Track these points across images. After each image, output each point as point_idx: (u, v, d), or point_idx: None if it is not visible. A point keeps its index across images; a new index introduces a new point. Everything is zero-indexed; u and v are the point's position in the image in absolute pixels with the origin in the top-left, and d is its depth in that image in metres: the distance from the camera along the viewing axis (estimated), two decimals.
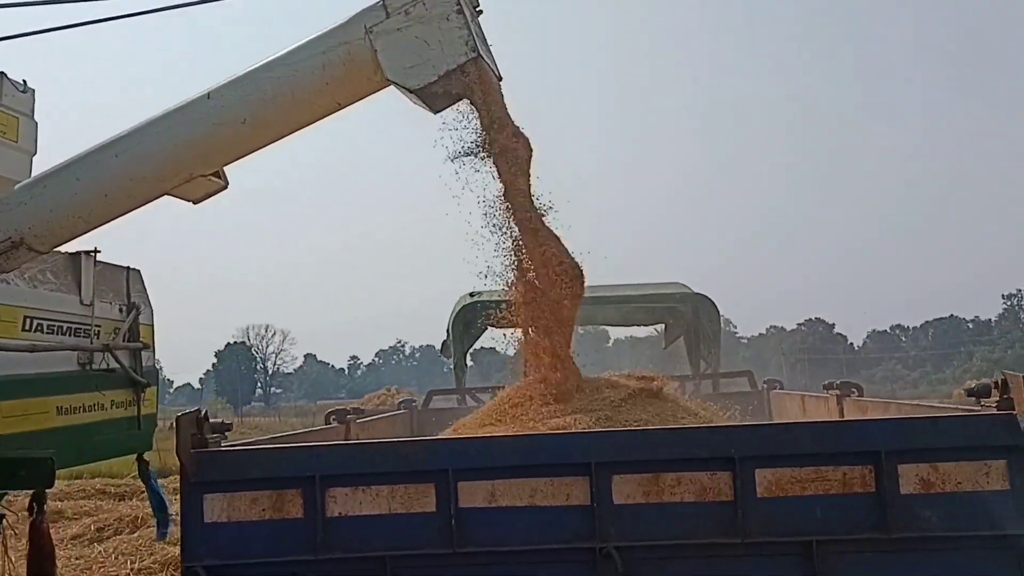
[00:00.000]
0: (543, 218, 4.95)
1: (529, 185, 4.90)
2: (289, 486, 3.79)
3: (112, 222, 5.26)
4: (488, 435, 4.55)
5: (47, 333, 6.79)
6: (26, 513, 6.39)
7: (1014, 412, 3.71)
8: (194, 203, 6.17)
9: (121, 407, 7.52)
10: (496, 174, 4.86)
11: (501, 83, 5.07)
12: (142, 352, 7.80)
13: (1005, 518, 3.67)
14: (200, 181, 5.45)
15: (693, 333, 11.40)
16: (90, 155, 5.22)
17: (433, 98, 4.84)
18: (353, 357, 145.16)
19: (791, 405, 8.28)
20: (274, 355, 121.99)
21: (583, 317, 10.71)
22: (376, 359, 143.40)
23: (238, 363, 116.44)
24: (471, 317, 10.57)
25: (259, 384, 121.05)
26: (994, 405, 3.81)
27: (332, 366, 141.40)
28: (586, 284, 5.14)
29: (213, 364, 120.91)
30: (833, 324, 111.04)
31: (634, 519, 3.68)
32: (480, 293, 9.75)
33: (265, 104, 4.89)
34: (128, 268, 7.89)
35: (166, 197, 5.37)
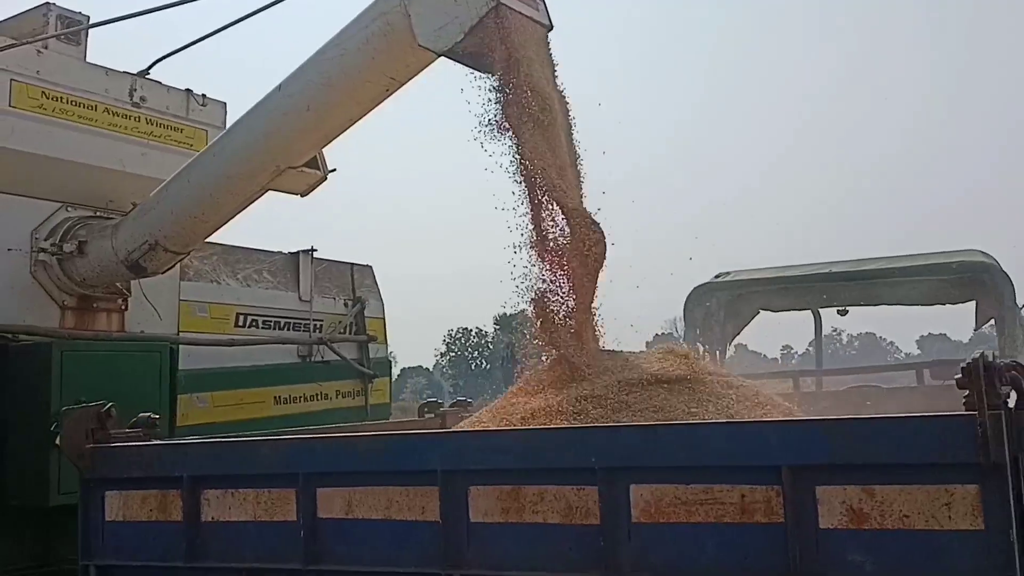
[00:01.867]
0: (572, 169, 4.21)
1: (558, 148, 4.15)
2: (170, 486, 3.54)
3: (231, 219, 5.49)
4: (344, 435, 3.91)
5: (262, 328, 7.31)
6: None
7: (975, 413, 2.30)
8: (300, 196, 6.28)
9: (348, 397, 7.86)
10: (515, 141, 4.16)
11: (550, 33, 4.45)
12: (368, 344, 8.11)
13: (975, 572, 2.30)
14: (294, 174, 5.50)
15: (1003, 310, 9.20)
16: (198, 158, 5.51)
17: (475, 59, 4.36)
18: None
19: None
20: None
21: (868, 295, 9.15)
22: None
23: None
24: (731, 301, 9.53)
25: None
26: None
27: None
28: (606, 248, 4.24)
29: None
30: None
31: (491, 541, 2.86)
32: (728, 273, 8.73)
33: (323, 88, 4.79)
34: (353, 265, 8.26)
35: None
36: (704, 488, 2.55)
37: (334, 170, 6.74)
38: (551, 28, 4.47)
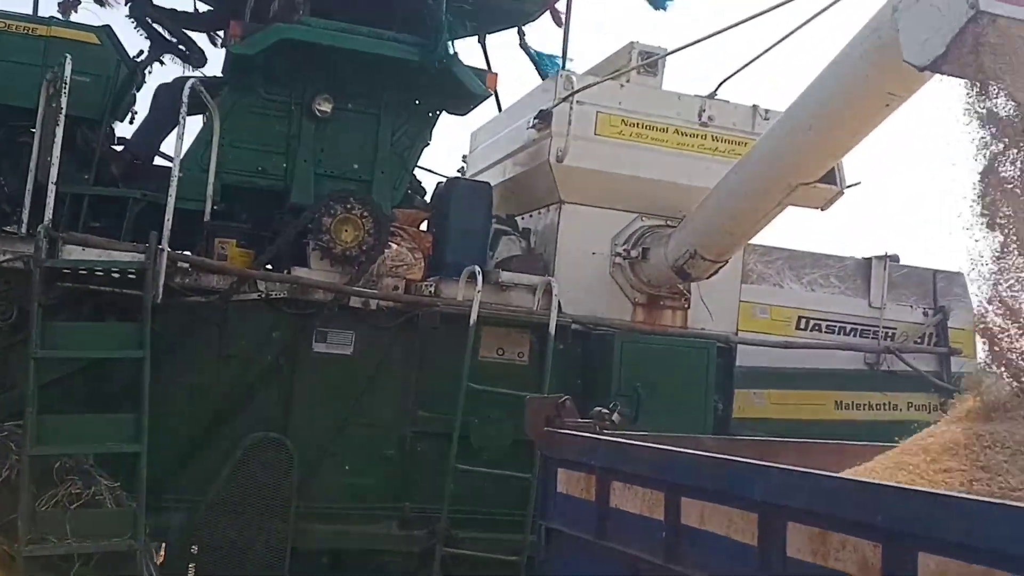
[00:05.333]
0: None
1: None
2: (590, 472, 3.92)
3: (757, 231, 5.79)
4: (699, 453, 3.60)
5: (825, 332, 7.41)
6: None
7: None
8: (820, 210, 6.11)
9: (921, 410, 7.49)
10: None
11: None
12: (950, 357, 7.60)
13: None
14: (809, 189, 5.51)
15: None
16: (727, 175, 5.89)
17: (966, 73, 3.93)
18: None
19: None
20: None
21: None
22: None
23: None
24: None
25: None
26: None
27: None
28: None
29: None
30: None
31: None
32: None
33: (825, 106, 4.80)
34: (938, 272, 7.79)
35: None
36: (985, 570, 2.24)
37: (857, 183, 6.58)
38: None
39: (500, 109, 8.18)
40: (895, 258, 7.72)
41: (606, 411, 4.61)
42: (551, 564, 4.35)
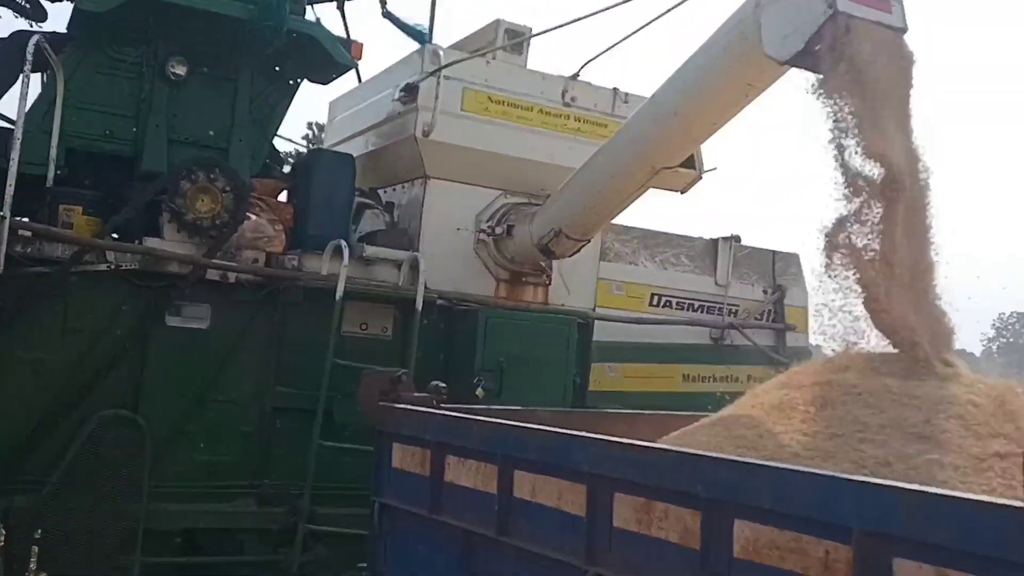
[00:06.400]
0: None
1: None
2: (424, 446, 3.96)
3: (619, 212, 6.01)
4: (526, 426, 3.71)
5: (675, 309, 7.76)
6: None
7: None
8: (680, 193, 6.45)
9: (759, 383, 7.96)
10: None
11: (903, 35, 4.10)
12: (786, 332, 8.12)
13: None
14: (670, 174, 5.78)
15: None
16: (592, 156, 6.07)
17: (821, 70, 4.21)
18: None
19: None
20: None
21: None
22: None
23: None
24: None
25: None
26: None
27: None
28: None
29: None
30: None
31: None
32: None
33: (689, 93, 5.03)
34: (776, 252, 8.29)
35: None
36: (795, 536, 2.43)
37: (713, 169, 6.95)
38: (905, 31, 4.17)
39: (360, 80, 8.05)
40: (737, 239, 8.15)
41: (443, 385, 4.55)
42: (384, 540, 4.33)
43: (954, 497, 2.17)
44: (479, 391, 6.45)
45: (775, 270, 8.22)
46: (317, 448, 6.15)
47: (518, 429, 3.59)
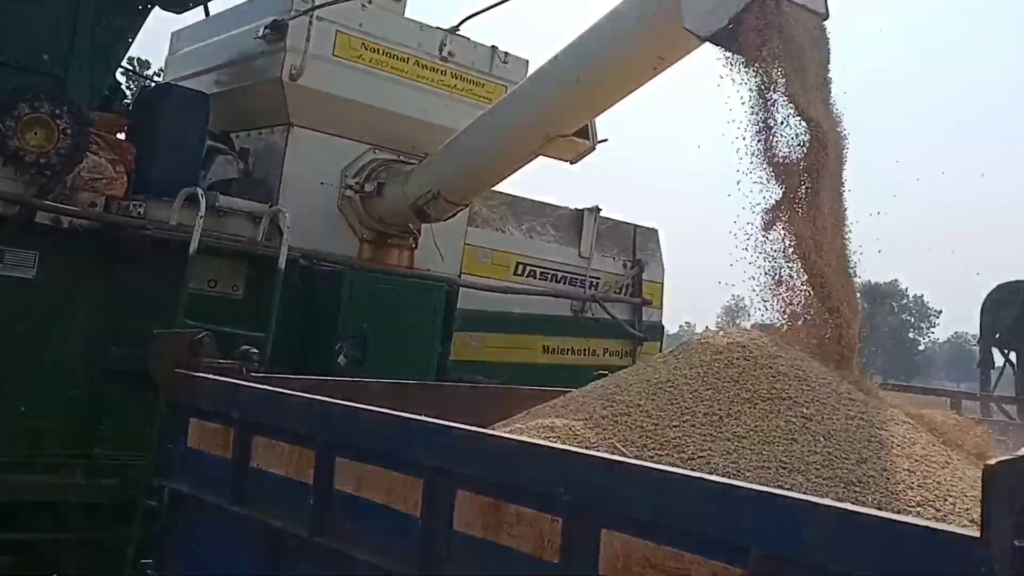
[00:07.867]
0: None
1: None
2: (229, 424, 3.32)
3: (505, 177, 5.77)
4: (356, 406, 3.00)
5: (539, 279, 7.62)
6: None
7: None
8: (570, 163, 6.35)
9: (615, 356, 7.99)
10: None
11: (826, 22, 4.12)
12: (642, 307, 8.16)
13: None
14: (564, 142, 5.62)
15: None
16: (480, 118, 5.80)
17: (741, 49, 4.14)
18: None
19: None
20: None
21: None
22: None
23: None
24: None
25: None
26: None
27: None
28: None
29: None
30: None
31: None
32: None
33: (594, 61, 4.86)
34: (637, 227, 8.30)
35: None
36: (674, 553, 2.01)
37: (604, 140, 6.84)
38: (827, 17, 4.18)
39: (208, 13, 7.35)
40: (598, 210, 8.09)
41: (254, 351, 3.89)
42: (172, 532, 3.66)
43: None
44: (341, 359, 6.05)
45: (635, 244, 8.23)
46: (160, 414, 5.57)
47: (343, 408, 2.99)
